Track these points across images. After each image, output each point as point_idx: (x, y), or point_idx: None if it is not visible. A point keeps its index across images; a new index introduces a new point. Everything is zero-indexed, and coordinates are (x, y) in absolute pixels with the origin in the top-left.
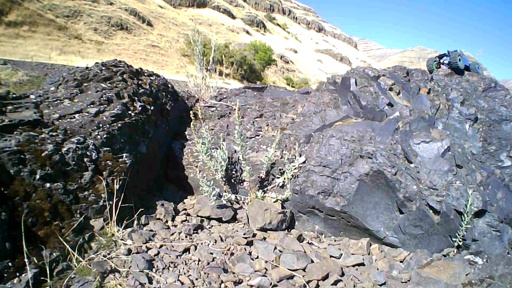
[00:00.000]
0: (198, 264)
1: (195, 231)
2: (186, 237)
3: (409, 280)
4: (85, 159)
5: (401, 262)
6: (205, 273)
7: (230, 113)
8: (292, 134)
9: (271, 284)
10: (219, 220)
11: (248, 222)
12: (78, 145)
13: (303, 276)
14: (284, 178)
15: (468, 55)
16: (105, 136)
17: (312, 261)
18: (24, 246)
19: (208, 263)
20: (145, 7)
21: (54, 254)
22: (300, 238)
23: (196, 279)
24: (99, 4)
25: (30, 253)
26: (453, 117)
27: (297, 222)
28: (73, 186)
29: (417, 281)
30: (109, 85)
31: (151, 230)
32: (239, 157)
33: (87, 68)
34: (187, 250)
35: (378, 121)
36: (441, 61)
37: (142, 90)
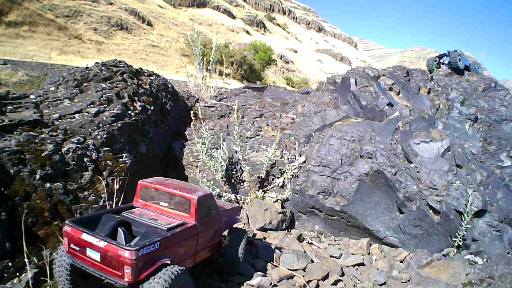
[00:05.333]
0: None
1: None
2: None
3: (409, 280)
4: (85, 159)
5: (401, 262)
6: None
7: (230, 113)
8: (292, 134)
9: (271, 284)
10: None
11: (248, 222)
12: (78, 145)
13: (303, 276)
14: (284, 178)
15: (468, 55)
16: (105, 136)
17: (312, 261)
18: (24, 246)
19: None
20: (145, 7)
21: (54, 254)
22: (300, 238)
23: (197, 278)
24: (99, 4)
25: (30, 253)
26: (453, 117)
27: (297, 222)
28: (73, 186)
29: (417, 281)
30: (109, 85)
31: None
32: (239, 157)
33: (87, 68)
34: None
35: (378, 121)
36: (441, 61)
37: (142, 90)
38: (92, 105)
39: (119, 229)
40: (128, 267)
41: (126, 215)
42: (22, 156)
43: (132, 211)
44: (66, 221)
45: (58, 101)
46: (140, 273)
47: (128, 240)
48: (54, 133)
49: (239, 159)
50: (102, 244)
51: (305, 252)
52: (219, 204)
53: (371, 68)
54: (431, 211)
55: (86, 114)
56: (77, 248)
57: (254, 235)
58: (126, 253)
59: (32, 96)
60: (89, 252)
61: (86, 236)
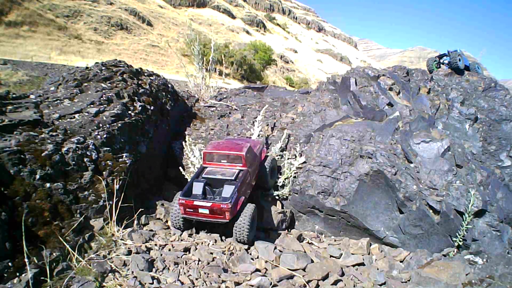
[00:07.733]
0: (198, 264)
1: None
2: (186, 236)
3: (409, 280)
4: (85, 159)
5: (401, 262)
6: (205, 273)
7: (230, 113)
8: (292, 134)
9: (271, 284)
10: None
11: None
12: (78, 145)
13: (303, 276)
14: (284, 178)
15: (468, 55)
16: (105, 136)
17: (312, 261)
18: (24, 246)
19: (208, 263)
20: (145, 7)
21: (54, 254)
22: (300, 238)
23: (196, 279)
24: (99, 4)
25: (30, 253)
26: (453, 117)
27: (297, 222)
28: (73, 186)
29: (417, 281)
30: (109, 85)
31: (151, 230)
32: None
33: (87, 68)
34: (187, 250)
35: (378, 121)
36: (441, 61)
37: (142, 90)
38: (92, 105)
39: (206, 188)
40: (227, 211)
41: (205, 175)
42: (22, 156)
43: (205, 171)
44: (179, 196)
45: (58, 101)
46: (233, 213)
47: (213, 192)
48: (54, 133)
49: None
50: (209, 204)
51: (305, 252)
52: (253, 144)
53: (371, 68)
54: (431, 211)
55: (86, 114)
56: (191, 210)
57: (255, 235)
58: (225, 205)
59: (32, 96)
60: (201, 210)
61: (197, 202)
